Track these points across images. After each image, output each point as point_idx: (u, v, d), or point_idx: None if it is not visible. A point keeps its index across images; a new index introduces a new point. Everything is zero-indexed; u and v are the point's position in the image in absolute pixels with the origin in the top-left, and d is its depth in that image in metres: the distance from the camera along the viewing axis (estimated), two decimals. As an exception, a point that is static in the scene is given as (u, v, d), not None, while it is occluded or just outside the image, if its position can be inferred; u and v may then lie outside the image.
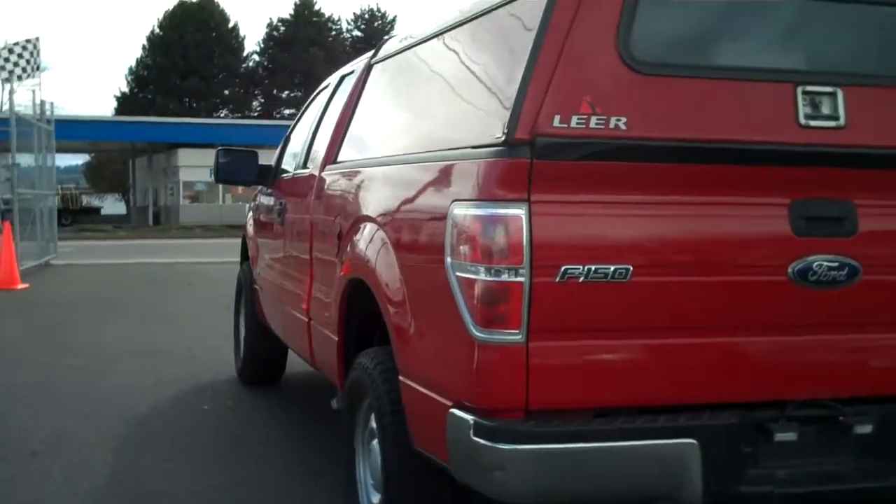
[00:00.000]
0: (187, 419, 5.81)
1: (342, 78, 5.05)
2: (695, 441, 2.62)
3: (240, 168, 5.94)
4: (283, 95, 63.57)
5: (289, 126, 6.26)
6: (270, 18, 74.14)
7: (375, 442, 3.50)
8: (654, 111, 2.68)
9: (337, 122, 4.53)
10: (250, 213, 6.65)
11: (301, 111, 5.98)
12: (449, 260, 2.77)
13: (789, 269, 2.77)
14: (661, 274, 2.69)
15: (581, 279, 2.62)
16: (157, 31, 59.98)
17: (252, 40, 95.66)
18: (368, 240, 3.49)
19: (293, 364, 6.44)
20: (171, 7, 59.94)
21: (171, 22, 59.26)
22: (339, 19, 64.56)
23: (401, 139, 3.66)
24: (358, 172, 3.94)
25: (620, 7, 2.67)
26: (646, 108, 2.67)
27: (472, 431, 2.63)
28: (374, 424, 3.52)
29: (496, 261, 2.62)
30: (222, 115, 59.18)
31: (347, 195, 4.02)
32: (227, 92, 61.88)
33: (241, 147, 6.28)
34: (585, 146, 2.62)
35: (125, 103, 59.40)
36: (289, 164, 5.75)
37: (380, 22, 64.98)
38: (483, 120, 2.84)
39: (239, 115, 59.16)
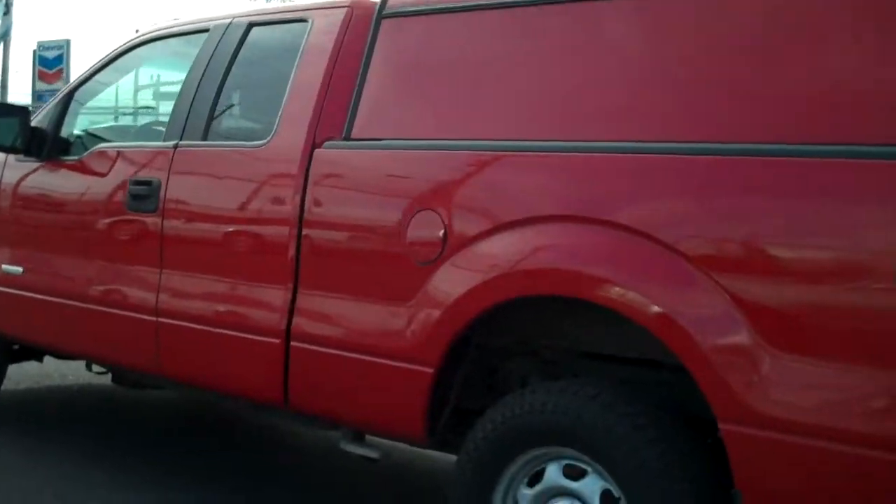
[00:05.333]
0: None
1: (251, 27, 3.92)
2: None
3: (7, 130, 4.38)
4: None
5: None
6: None
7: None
8: None
9: (321, 89, 3.51)
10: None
11: (100, 65, 4.54)
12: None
13: None
14: None
15: None
16: None
17: None
18: (611, 249, 2.70)
19: None
20: None
21: None
22: None
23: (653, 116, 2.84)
24: (497, 154, 3.04)
25: None
26: None
27: None
28: (566, 483, 2.80)
29: None
30: None
31: (456, 185, 3.11)
32: None
33: None
34: None
35: None
36: (101, 133, 4.48)
37: None
38: None
39: None
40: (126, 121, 4.98)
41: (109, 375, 4.97)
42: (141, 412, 5.51)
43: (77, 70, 21.41)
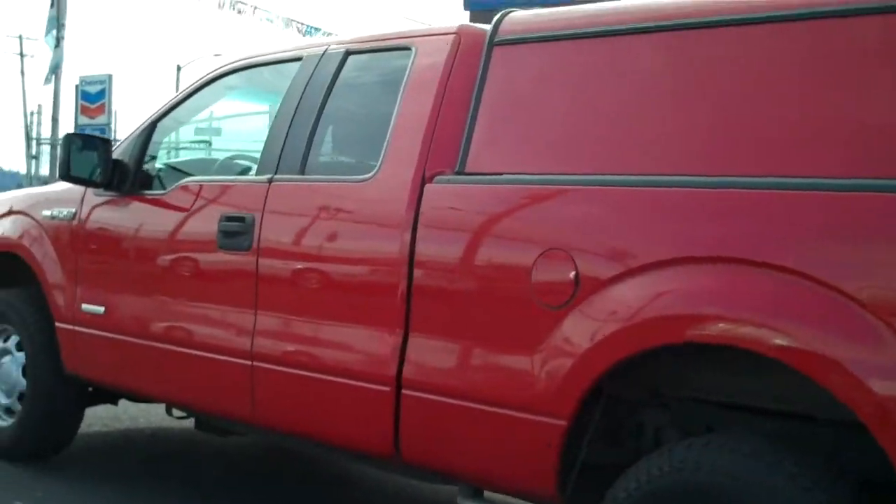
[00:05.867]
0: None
1: (348, 55, 3.73)
2: None
3: (87, 163, 4.22)
4: None
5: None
6: None
7: None
8: None
9: (430, 121, 3.30)
10: (31, 224, 4.75)
11: (182, 97, 4.36)
12: None
13: None
14: None
15: None
16: None
17: None
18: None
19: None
20: None
21: None
22: None
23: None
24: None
25: None
26: None
27: None
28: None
29: None
30: None
31: (589, 223, 2.89)
32: None
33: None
34: None
35: None
36: (181, 166, 4.29)
37: None
38: None
39: None
40: (204, 154, 4.77)
41: (184, 419, 4.77)
42: (221, 457, 5.31)
43: (119, 105, 21.68)
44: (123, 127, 24.43)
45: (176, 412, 4.65)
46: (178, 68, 39.43)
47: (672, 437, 2.90)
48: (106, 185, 4.29)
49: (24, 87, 44.27)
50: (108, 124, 22.60)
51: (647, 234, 2.73)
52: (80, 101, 22.40)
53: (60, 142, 4.22)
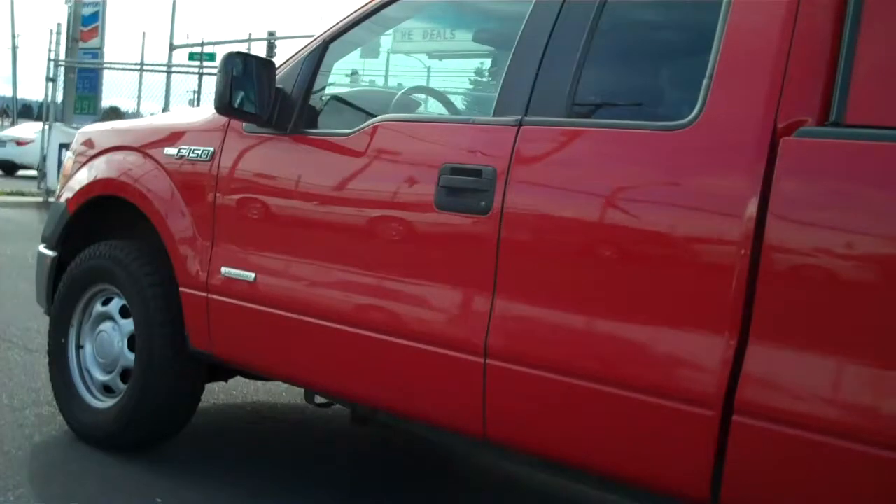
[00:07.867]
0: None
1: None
2: None
3: (253, 92, 3.32)
4: None
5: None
6: None
7: None
8: None
9: (780, 47, 2.41)
10: (148, 164, 3.84)
11: (365, 12, 3.43)
12: None
13: None
14: None
15: None
16: None
17: None
18: None
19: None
20: None
21: None
22: None
23: None
24: None
25: None
26: None
27: None
28: None
29: None
30: None
31: None
32: None
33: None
34: None
35: None
36: (362, 102, 3.44)
37: None
38: None
39: None
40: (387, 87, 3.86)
41: (324, 406, 3.95)
42: (336, 434, 4.50)
43: (112, 29, 20.67)
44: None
45: (318, 399, 3.80)
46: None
47: None
48: (266, 120, 3.38)
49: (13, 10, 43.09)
50: (101, 48, 21.52)
51: None
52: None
53: (220, 63, 3.24)
